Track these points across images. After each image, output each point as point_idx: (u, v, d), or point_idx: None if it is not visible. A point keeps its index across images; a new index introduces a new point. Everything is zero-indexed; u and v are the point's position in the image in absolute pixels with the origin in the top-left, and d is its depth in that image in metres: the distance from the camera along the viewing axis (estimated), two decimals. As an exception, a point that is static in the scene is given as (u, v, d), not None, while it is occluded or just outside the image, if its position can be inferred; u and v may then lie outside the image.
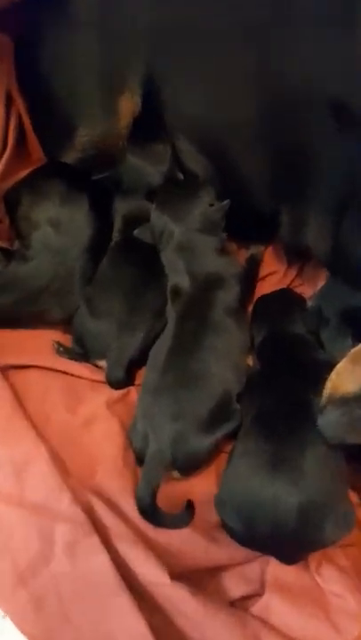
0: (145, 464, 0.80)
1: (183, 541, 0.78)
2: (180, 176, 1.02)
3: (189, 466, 0.82)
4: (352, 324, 0.88)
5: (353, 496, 0.81)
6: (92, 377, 0.91)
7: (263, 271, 1.07)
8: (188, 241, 0.94)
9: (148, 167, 1.00)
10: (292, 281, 1.06)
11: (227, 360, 0.86)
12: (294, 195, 0.91)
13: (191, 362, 0.84)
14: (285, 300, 0.98)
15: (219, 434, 0.82)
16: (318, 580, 0.77)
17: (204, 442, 0.81)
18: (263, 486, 0.72)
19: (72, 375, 0.91)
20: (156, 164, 1.00)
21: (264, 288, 1.04)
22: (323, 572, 0.77)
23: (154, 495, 0.76)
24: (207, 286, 0.91)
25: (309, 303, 0.97)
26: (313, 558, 0.78)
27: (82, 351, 0.92)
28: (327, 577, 0.77)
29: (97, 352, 0.91)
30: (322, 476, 0.72)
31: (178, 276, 0.93)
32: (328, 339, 0.90)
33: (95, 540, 0.72)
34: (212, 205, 0.96)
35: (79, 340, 0.92)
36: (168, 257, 0.95)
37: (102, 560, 0.71)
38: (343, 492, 0.76)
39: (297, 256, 1.03)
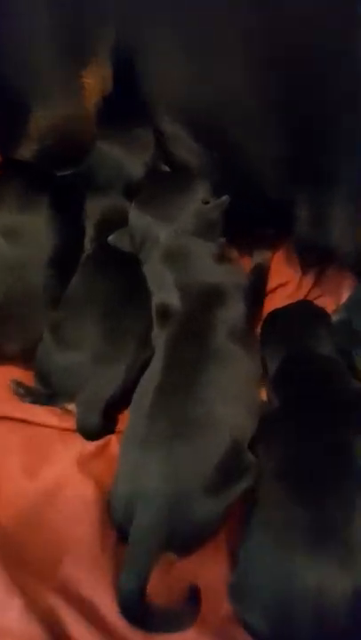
0: (129, 546, 0.60)
1: (187, 650, 0.60)
2: (166, 167, 0.86)
3: (192, 544, 0.63)
4: None
5: None
6: (60, 425, 0.74)
7: (272, 282, 0.90)
8: (178, 247, 0.77)
9: (126, 157, 0.84)
10: (309, 292, 0.90)
11: (235, 398, 0.67)
12: (314, 179, 0.75)
13: (188, 403, 0.65)
14: (304, 313, 0.81)
15: (230, 497, 0.63)
16: None
17: (212, 509, 0.62)
18: (301, 569, 0.56)
19: (34, 424, 0.74)
20: (134, 152, 0.84)
21: (275, 302, 0.87)
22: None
23: (142, 590, 0.57)
24: (204, 303, 0.73)
25: (334, 317, 0.79)
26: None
27: (47, 391, 0.76)
28: None
29: (66, 392, 0.74)
30: None
31: (165, 292, 0.75)
32: None
33: (60, 667, 0.54)
34: (207, 203, 0.79)
35: (44, 378, 0.76)
36: (152, 268, 0.77)
37: None
38: None
39: (314, 261, 0.87)
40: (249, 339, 0.75)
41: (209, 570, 0.63)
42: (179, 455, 0.62)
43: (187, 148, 0.81)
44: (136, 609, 0.57)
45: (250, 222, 0.83)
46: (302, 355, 0.74)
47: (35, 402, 0.75)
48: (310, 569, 0.55)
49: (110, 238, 0.79)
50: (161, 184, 0.82)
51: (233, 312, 0.73)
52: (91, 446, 0.71)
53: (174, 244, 0.76)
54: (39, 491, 0.66)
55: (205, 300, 0.73)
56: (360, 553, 0.55)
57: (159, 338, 0.72)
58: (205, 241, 0.77)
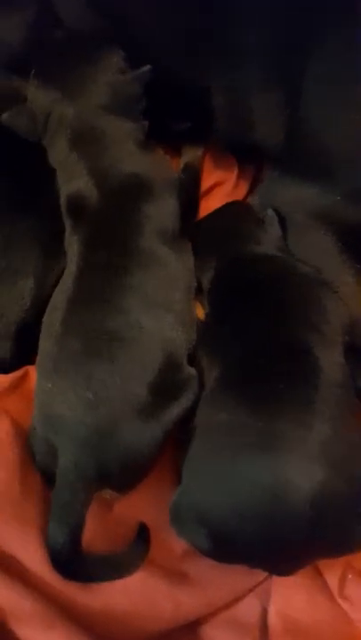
0: (55, 489, 0.51)
1: (133, 597, 0.53)
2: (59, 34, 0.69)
3: (131, 477, 0.54)
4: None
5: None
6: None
7: (207, 182, 0.79)
8: (91, 127, 0.62)
9: (5, 21, 0.66)
10: (250, 190, 0.79)
11: (164, 307, 0.57)
12: (222, 57, 0.62)
13: (105, 313, 0.54)
14: (232, 214, 0.71)
15: (169, 418, 0.54)
16: (345, 605, 0.57)
17: (148, 435, 0.53)
18: (253, 473, 0.48)
19: None
20: (14, 15, 0.66)
21: (212, 204, 0.76)
22: (351, 594, 0.57)
23: (76, 538, 0.49)
24: (126, 197, 0.61)
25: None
26: (333, 574, 0.57)
27: None
28: (358, 600, 0.56)
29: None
30: (341, 450, 0.50)
31: (77, 184, 0.61)
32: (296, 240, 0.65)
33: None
34: (123, 73, 0.64)
35: None
36: (60, 155, 0.63)
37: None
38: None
39: (247, 154, 0.75)
40: (183, 243, 0.63)
41: (156, 506, 0.55)
42: (100, 377, 0.52)
43: (78, 16, 0.65)
44: (70, 561, 0.49)
45: (164, 112, 0.68)
46: (236, 258, 0.64)
47: None
48: (264, 473, 0.47)
49: (4, 117, 0.64)
50: (65, 52, 0.65)
51: (162, 209, 0.61)
52: (4, 380, 0.61)
53: (86, 124, 0.62)
54: None
55: (128, 193, 0.61)
56: (320, 454, 0.48)
57: (72, 241, 0.60)
58: (126, 121, 0.63)
